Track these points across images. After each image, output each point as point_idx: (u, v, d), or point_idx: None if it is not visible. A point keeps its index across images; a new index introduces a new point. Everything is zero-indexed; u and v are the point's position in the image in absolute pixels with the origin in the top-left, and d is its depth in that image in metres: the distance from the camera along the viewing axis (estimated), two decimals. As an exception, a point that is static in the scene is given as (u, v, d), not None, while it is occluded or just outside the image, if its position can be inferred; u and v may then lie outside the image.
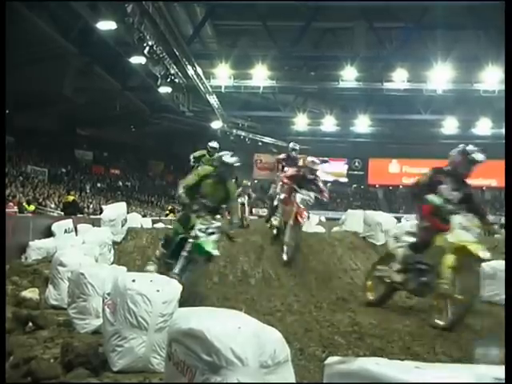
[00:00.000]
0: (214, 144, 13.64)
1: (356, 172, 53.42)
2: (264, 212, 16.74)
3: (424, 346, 5.15)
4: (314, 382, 3.71)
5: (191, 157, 14.11)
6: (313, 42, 31.31)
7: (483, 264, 8.33)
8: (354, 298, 8.08)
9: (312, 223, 16.47)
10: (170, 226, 16.38)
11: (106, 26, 22.46)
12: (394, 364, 1.69)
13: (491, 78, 29.11)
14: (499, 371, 1.62)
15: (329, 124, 43.00)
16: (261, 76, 31.84)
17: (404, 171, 51.87)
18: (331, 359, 1.79)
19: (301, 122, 42.57)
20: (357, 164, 53.41)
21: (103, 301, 4.57)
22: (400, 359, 3.19)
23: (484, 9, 25.08)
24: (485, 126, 41.07)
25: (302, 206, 9.66)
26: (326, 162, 43.99)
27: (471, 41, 28.21)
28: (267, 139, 46.89)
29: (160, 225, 17.36)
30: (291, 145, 13.04)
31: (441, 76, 29.66)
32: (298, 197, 9.76)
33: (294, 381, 2.60)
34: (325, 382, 1.80)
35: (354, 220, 13.03)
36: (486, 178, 49.10)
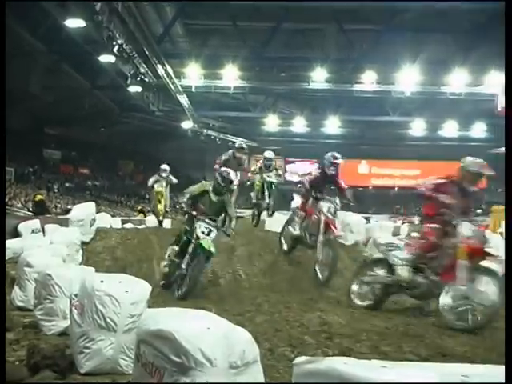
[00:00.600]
0: (269, 154, 12.91)
1: (326, 173, 53.65)
2: (241, 212, 16.52)
3: (391, 346, 5.20)
4: (283, 382, 3.72)
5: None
6: (283, 43, 31.37)
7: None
8: (323, 298, 8.14)
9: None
10: (139, 226, 16.30)
11: (75, 23, 22.17)
12: (362, 363, 1.71)
13: (458, 81, 29.59)
14: (466, 369, 1.65)
15: (299, 125, 43.16)
16: (231, 76, 31.80)
17: (373, 172, 52.42)
18: (299, 359, 1.80)
19: (271, 123, 42.62)
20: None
21: (70, 302, 4.52)
22: (368, 358, 3.22)
23: (451, 12, 25.49)
24: (451, 129, 41.75)
25: (329, 215, 8.83)
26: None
27: (439, 44, 28.62)
28: (238, 139, 46.72)
29: (129, 225, 17.21)
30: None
31: (409, 78, 30.06)
32: (324, 205, 8.93)
33: (263, 381, 2.60)
34: (293, 382, 1.81)
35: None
36: (454, 179, 49.93)
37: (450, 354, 5.01)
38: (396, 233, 19.95)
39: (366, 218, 16.68)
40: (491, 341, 5.60)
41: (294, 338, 5.29)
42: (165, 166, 16.21)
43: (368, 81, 31.36)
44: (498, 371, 1.65)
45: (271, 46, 29.04)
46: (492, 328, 6.04)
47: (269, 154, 12.76)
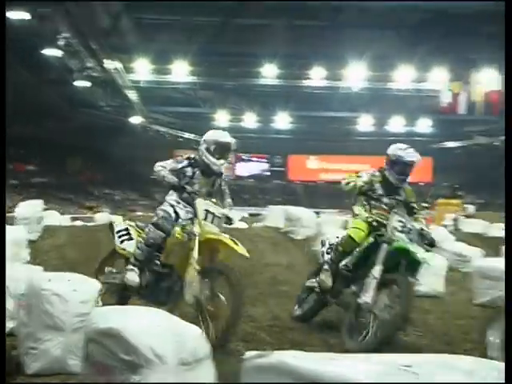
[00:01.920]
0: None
1: (277, 168, 54.10)
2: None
3: (340, 338, 5.28)
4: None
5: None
6: (233, 39, 31.33)
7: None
8: (275, 293, 8.18)
9: (234, 219, 16.53)
10: (89, 224, 15.95)
11: (19, 16, 21.55)
12: (311, 356, 1.73)
13: (403, 77, 30.24)
14: (407, 359, 1.69)
15: (249, 120, 43.28)
16: (181, 71, 31.58)
17: (322, 167, 53.08)
18: (249, 354, 1.82)
19: (221, 119, 42.58)
20: (277, 160, 54.11)
21: (17, 302, 4.41)
22: (319, 351, 3.26)
23: (396, 10, 25.98)
24: (398, 124, 42.68)
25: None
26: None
27: (384, 41, 29.15)
28: (188, 135, 46.59)
29: (78, 222, 16.90)
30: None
31: (356, 74, 30.53)
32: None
33: (214, 377, 2.60)
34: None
35: (274, 215, 13.25)
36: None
37: (397, 344, 5.12)
38: (346, 227, 20.29)
39: (316, 213, 16.84)
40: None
41: (246, 334, 5.31)
42: None
43: (316, 77, 31.72)
44: (441, 360, 1.71)
45: (221, 42, 28.97)
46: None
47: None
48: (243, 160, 54.43)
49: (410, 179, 6.35)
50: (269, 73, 31.31)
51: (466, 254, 10.82)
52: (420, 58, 27.34)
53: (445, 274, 8.33)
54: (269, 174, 54.09)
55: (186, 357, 2.47)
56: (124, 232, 5.64)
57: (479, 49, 27.74)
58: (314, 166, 53.25)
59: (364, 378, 1.54)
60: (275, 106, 40.67)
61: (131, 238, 5.56)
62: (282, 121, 43.04)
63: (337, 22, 27.68)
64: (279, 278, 9.09)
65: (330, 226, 14.06)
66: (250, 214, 26.00)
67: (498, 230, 21.96)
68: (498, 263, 7.41)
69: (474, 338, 5.39)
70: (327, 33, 27.93)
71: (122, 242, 5.59)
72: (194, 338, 2.61)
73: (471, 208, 33.39)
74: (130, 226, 5.73)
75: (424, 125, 43.31)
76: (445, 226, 19.49)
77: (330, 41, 28.11)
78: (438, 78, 29.67)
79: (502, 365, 1.78)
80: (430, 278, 7.99)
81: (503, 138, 42.94)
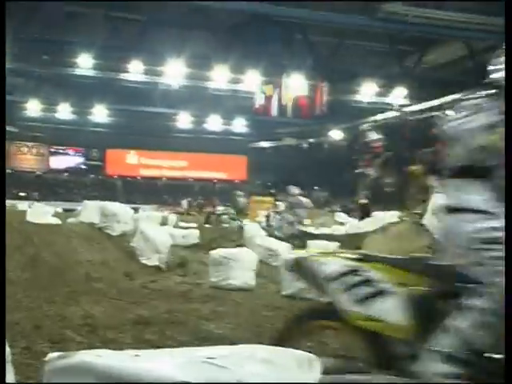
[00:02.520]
0: None
1: (93, 162, 52.37)
2: None
3: (155, 334, 5.31)
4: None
5: None
6: (46, 24, 29.51)
7: (212, 252, 8.97)
8: (88, 290, 7.96)
9: (47, 215, 15.77)
10: None
11: None
12: (115, 354, 1.73)
13: (219, 77, 31.01)
14: (214, 351, 1.76)
15: (65, 112, 41.24)
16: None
17: (142, 162, 52.57)
18: (51, 355, 1.76)
19: (33, 108, 40.01)
20: (94, 154, 52.39)
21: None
22: (133, 348, 3.26)
23: (210, 10, 26.48)
24: (215, 122, 43.76)
25: None
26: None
27: (201, 41, 29.59)
28: (-6, 124, 43.17)
29: None
30: None
31: (174, 71, 30.60)
32: None
33: (13, 381, 2.46)
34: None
35: (90, 211, 12.86)
36: (218, 171, 52.57)
37: (209, 337, 5.29)
38: (164, 223, 20.38)
39: (134, 209, 16.66)
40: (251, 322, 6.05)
41: (55, 334, 5.11)
42: None
43: (135, 71, 31.22)
44: (243, 350, 1.80)
45: (31, 26, 27.10)
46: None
47: None
48: (58, 153, 51.85)
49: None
50: (85, 63, 30.04)
51: (275, 248, 11.47)
52: (234, 59, 28.19)
53: (255, 268, 8.76)
54: (85, 167, 52.20)
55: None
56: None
57: (290, 55, 29.51)
58: (134, 161, 52.54)
59: (169, 371, 1.59)
60: (92, 98, 39.21)
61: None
62: (100, 114, 41.71)
63: (155, 17, 27.45)
64: (93, 275, 8.87)
65: (148, 222, 14.05)
66: (65, 210, 24.92)
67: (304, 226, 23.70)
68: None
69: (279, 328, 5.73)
70: (146, 28, 27.59)
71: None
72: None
73: (281, 205, 35.36)
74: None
75: (239, 124, 44.94)
76: (259, 223, 20.47)
77: (147, 35, 27.77)
78: (252, 81, 30.90)
79: (299, 353, 1.91)
80: (242, 272, 8.37)
81: (310, 139, 46.22)
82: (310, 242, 13.69)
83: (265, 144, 49.84)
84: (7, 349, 2.34)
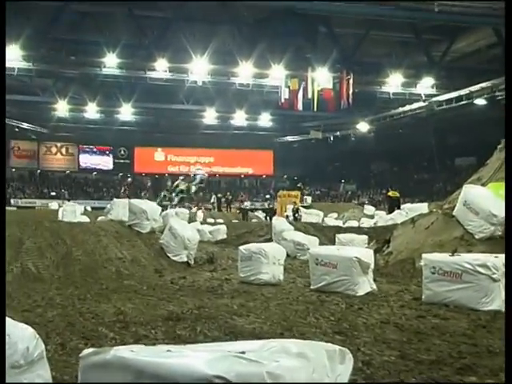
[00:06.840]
0: None
1: (122, 160, 52.94)
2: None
3: (186, 329, 5.34)
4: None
5: None
6: (71, 25, 29.72)
7: (241, 247, 8.99)
8: (119, 287, 8.05)
9: (77, 213, 16.00)
10: None
11: None
12: (148, 349, 1.75)
13: (245, 72, 30.92)
14: (244, 346, 1.77)
15: (92, 111, 41.67)
16: (14, 56, 29.01)
17: (169, 160, 52.94)
18: (86, 351, 1.79)
19: (62, 108, 40.50)
20: (122, 152, 52.94)
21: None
22: (164, 343, 3.28)
23: (237, 6, 26.47)
24: (241, 118, 43.72)
25: None
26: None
27: (227, 36, 29.55)
28: (25, 125, 43.89)
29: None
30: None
31: (200, 68, 30.63)
32: None
33: (50, 377, 2.50)
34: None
35: (119, 209, 12.99)
36: (244, 166, 52.64)
37: (239, 332, 5.30)
38: (192, 219, 20.50)
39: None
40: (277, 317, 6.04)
41: (88, 331, 5.18)
42: None
43: (161, 69, 31.36)
44: (273, 344, 1.81)
45: (58, 27, 27.33)
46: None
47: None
48: (87, 152, 52.54)
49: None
50: (111, 63, 30.25)
51: (303, 242, 11.43)
52: (259, 54, 28.07)
53: (284, 262, 8.74)
54: (114, 166, 52.82)
55: (17, 359, 2.33)
56: None
57: (314, 48, 29.34)
58: (162, 159, 52.95)
59: (200, 366, 1.60)
60: (119, 97, 39.53)
61: None
62: (127, 112, 42.03)
63: (179, 14, 27.48)
64: (124, 273, 8.97)
65: (177, 219, 14.14)
66: (93, 208, 25.25)
67: (331, 219, 23.66)
68: (331, 251, 7.95)
69: (310, 322, 5.72)
70: (170, 25, 27.65)
71: None
72: (25, 338, 2.45)
73: (308, 199, 35.38)
74: None
75: (265, 119, 44.82)
76: (287, 217, 20.42)
77: (172, 33, 27.85)
78: (277, 75, 30.75)
79: (329, 346, 1.91)
80: (270, 267, 8.36)
81: (336, 133, 45.90)
82: (337, 236, 13.65)
83: (291, 138, 49.67)
84: (42, 345, 2.38)
